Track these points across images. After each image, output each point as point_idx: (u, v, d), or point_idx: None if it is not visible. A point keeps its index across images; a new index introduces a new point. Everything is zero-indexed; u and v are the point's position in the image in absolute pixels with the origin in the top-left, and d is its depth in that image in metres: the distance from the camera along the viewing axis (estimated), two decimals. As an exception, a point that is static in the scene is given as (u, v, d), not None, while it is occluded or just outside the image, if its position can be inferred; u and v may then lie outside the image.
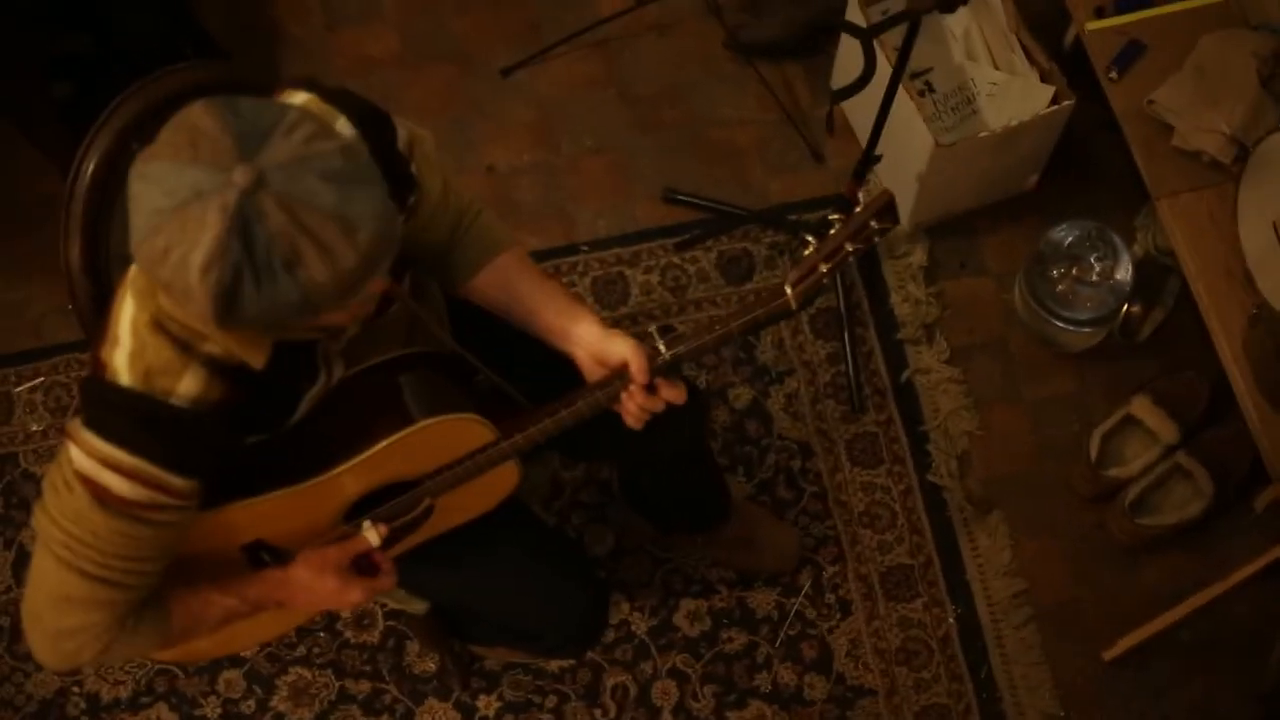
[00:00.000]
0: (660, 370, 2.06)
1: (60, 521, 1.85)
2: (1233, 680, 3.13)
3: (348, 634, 3.17)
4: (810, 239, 1.99)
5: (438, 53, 3.67)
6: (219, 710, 3.14)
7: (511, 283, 2.22)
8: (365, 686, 3.15)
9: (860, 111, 3.38)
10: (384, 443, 2.05)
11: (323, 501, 2.13)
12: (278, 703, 3.14)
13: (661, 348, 2.04)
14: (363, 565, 2.18)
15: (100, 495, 1.82)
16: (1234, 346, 2.95)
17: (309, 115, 1.64)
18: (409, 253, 2.12)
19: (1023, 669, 3.14)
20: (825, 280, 1.99)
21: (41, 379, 3.39)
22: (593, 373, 2.12)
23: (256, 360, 1.81)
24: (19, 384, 3.39)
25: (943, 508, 3.26)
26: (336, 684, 3.14)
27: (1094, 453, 3.19)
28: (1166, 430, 3.19)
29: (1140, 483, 3.17)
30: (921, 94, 3.31)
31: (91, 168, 2.18)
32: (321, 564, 2.12)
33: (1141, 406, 3.22)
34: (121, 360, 1.80)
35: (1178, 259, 3.08)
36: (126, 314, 1.82)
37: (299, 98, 1.90)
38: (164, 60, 2.29)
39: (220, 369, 1.81)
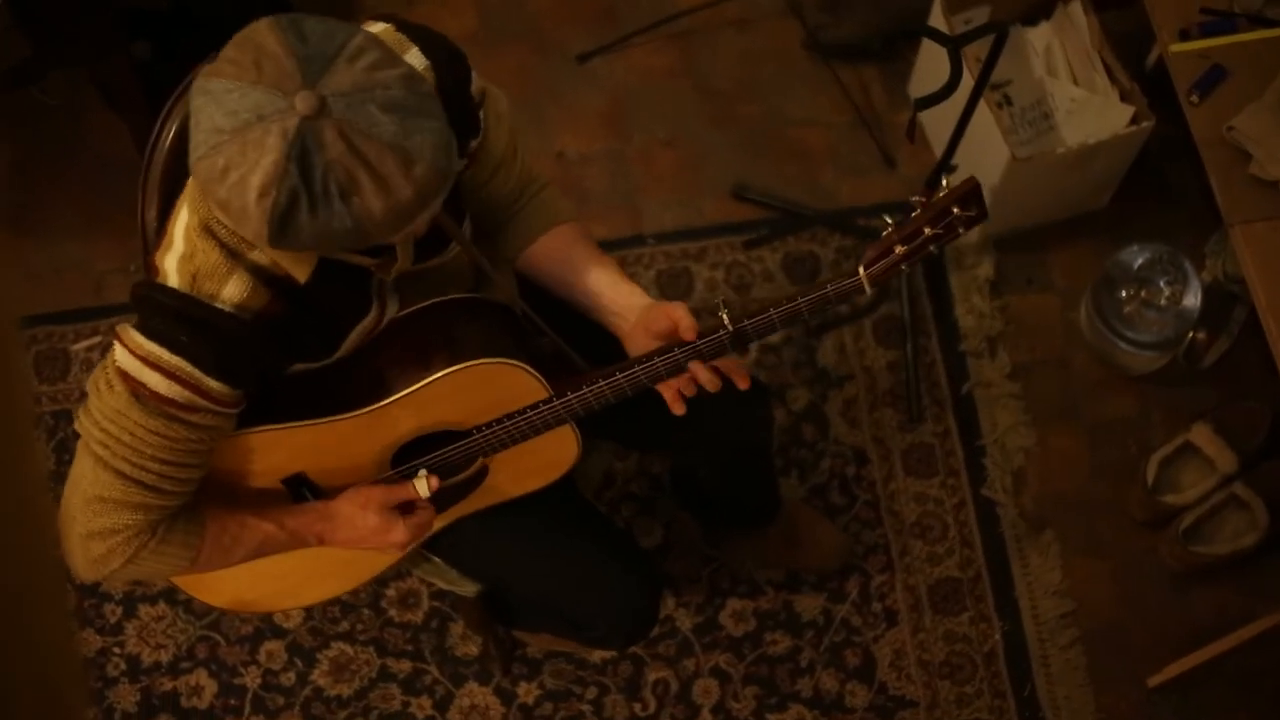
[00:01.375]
0: (723, 343, 2.01)
1: (100, 421, 1.89)
2: (1277, 716, 3.11)
3: (392, 612, 3.17)
4: (889, 219, 1.94)
5: (514, 33, 3.66)
6: (259, 680, 3.14)
7: (569, 250, 2.22)
8: (406, 666, 3.15)
9: (935, 119, 3.35)
10: (432, 377, 2.04)
11: (368, 438, 2.12)
12: (318, 676, 3.14)
13: (725, 318, 1.99)
14: (408, 512, 2.18)
15: (138, 392, 1.85)
16: (1300, 380, 2.93)
17: (374, 42, 1.65)
18: (469, 207, 2.13)
19: (1066, 690, 3.12)
20: (902, 267, 1.93)
21: (99, 338, 3.39)
22: (641, 346, 2.09)
23: (300, 273, 1.85)
24: (76, 341, 3.40)
25: (995, 523, 3.24)
26: (378, 661, 3.15)
27: (1150, 478, 3.17)
28: (1225, 459, 3.16)
29: (1195, 511, 3.14)
30: (999, 106, 3.29)
31: (172, 133, 2.20)
32: (366, 500, 2.14)
33: (1201, 434, 3.19)
34: (172, 263, 1.84)
35: (1248, 288, 3.05)
36: (181, 220, 1.86)
37: (376, 28, 1.92)
38: (240, 27, 2.29)
39: (266, 278, 1.85)
